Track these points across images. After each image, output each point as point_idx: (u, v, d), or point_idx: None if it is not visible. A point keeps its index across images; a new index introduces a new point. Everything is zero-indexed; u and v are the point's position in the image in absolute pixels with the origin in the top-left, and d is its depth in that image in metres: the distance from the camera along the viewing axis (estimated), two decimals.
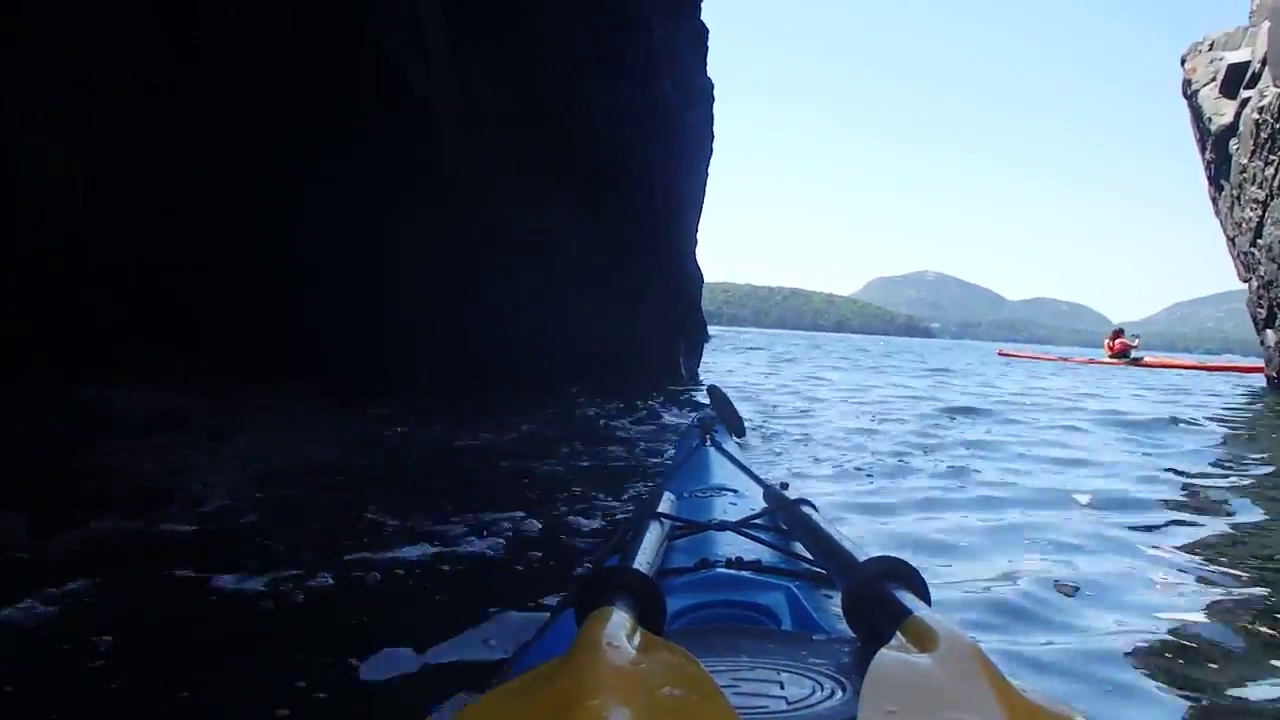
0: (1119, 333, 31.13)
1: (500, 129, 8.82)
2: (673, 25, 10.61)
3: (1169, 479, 6.22)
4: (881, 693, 0.68)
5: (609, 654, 0.75)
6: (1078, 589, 3.23)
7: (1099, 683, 2.34)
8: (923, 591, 1.04)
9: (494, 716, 0.72)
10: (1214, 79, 22.62)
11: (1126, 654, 2.59)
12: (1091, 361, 29.55)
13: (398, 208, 7.84)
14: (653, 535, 1.49)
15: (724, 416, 3.70)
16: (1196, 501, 5.49)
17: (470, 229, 8.37)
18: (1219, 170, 21.77)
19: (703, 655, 0.82)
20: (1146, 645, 2.69)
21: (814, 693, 0.91)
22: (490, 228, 8.60)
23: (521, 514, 4.12)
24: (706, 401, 4.35)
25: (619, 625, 0.85)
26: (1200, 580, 3.60)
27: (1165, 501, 5.30)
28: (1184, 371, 27.81)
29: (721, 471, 2.68)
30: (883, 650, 0.79)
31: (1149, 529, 4.49)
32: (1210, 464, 7.37)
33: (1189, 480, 6.26)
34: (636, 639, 0.83)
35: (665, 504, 1.83)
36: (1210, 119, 22.34)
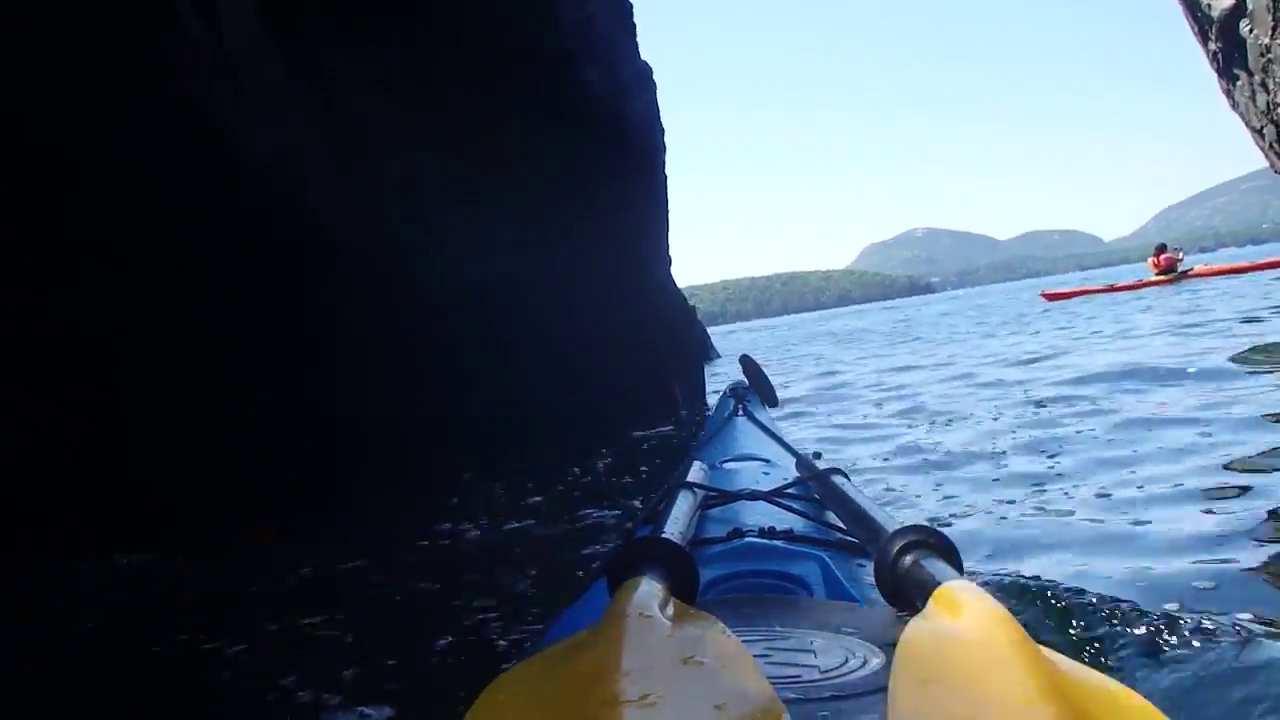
0: (1162, 248, 28.12)
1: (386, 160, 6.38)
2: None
3: None
4: (914, 661, 0.69)
5: (641, 623, 0.74)
6: None
7: None
8: (955, 560, 1.02)
9: (527, 685, 0.70)
10: None
11: None
12: (1141, 284, 26.64)
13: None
14: (685, 505, 1.48)
15: (756, 386, 3.61)
16: None
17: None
18: (1229, 59, 19.63)
19: (735, 625, 0.81)
20: None
21: (846, 661, 0.90)
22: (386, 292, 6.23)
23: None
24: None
25: (651, 595, 0.83)
26: None
27: None
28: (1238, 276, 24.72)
29: (754, 441, 2.68)
30: (915, 619, 0.80)
31: None
32: None
33: None
34: (669, 608, 0.82)
35: (698, 474, 1.84)
36: (1209, 4, 20.27)
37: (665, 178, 9.37)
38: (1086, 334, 12.78)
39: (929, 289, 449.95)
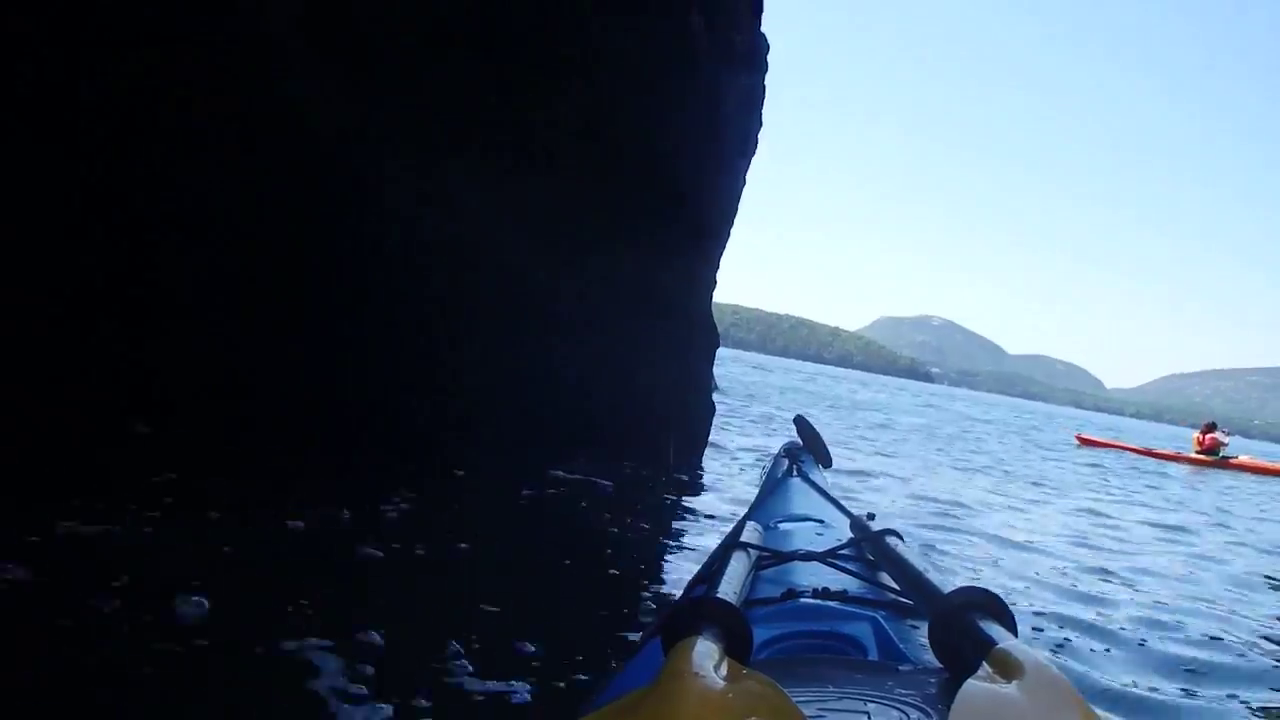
0: (1211, 426, 26.50)
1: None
2: None
3: None
4: None
5: (696, 683, 0.74)
6: None
7: None
8: (1009, 623, 1.02)
9: None
10: None
11: None
12: (1179, 457, 25.52)
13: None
14: (739, 565, 1.47)
15: (810, 446, 3.55)
16: None
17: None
18: None
19: (789, 685, 0.82)
20: None
21: None
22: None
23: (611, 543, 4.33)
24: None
25: (706, 655, 0.83)
26: None
27: None
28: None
29: (807, 501, 2.66)
30: (969, 681, 0.78)
31: None
32: None
33: None
34: (723, 669, 0.81)
35: (752, 534, 1.78)
36: None
37: (745, 181, 7.88)
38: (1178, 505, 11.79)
39: (929, 378, 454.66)
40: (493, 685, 2.47)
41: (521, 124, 5.71)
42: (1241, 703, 3.21)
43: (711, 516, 5.53)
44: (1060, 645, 3.61)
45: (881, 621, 1.39)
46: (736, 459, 8.78)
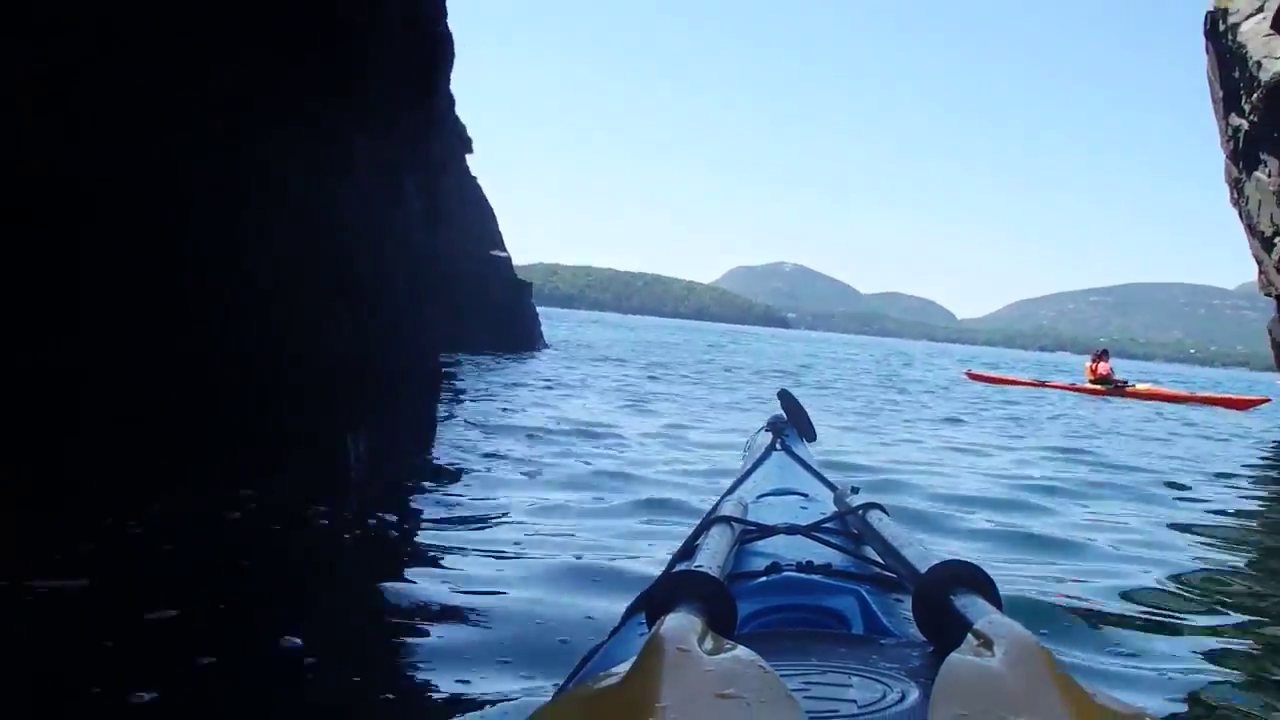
0: (1103, 354, 26.57)
1: None
2: None
3: None
4: (951, 697, 0.69)
5: (679, 658, 0.77)
6: None
7: None
8: (993, 596, 1.05)
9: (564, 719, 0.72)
10: (1260, 8, 16.67)
11: None
12: (1074, 388, 25.50)
13: None
14: (723, 539, 1.50)
15: (795, 420, 3.47)
16: None
17: None
18: (1262, 136, 14.63)
19: (773, 659, 0.82)
20: None
21: (884, 697, 0.93)
22: None
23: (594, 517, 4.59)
24: None
25: (689, 629, 0.85)
26: None
27: None
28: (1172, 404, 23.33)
29: (791, 475, 2.64)
30: (953, 654, 0.79)
31: None
32: None
33: None
34: (707, 643, 0.83)
35: (735, 508, 1.82)
36: (1259, 63, 15.86)
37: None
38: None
39: (785, 323, 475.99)
40: None
41: None
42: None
43: (416, 557, 4.06)
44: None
45: (865, 595, 1.43)
46: (535, 440, 7.39)
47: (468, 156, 24.60)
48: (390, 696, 2.62)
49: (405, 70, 5.90)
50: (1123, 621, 3.54)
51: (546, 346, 25.20)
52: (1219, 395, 25.99)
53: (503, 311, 23.30)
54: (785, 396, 3.68)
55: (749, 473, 2.73)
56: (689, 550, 1.65)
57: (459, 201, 22.16)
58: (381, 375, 5.31)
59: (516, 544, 4.20)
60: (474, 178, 25.71)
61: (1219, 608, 4.03)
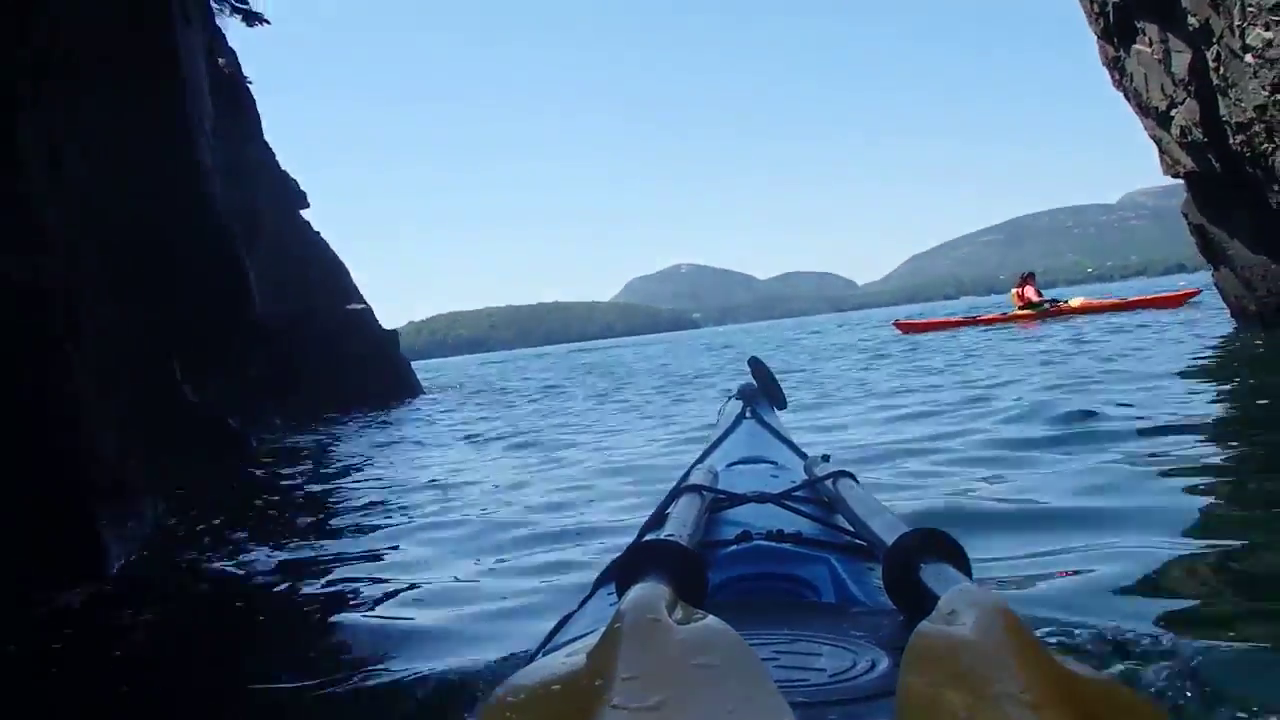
0: (1029, 278, 25.76)
1: None
2: None
3: None
4: (921, 665, 0.69)
5: (649, 626, 0.77)
6: None
7: None
8: (963, 564, 1.05)
9: (534, 689, 0.73)
10: None
11: None
12: (1004, 318, 24.90)
13: None
14: (693, 508, 1.51)
15: (765, 388, 3.45)
16: None
17: None
18: (1135, 3, 12.51)
19: (743, 628, 0.81)
20: None
21: (854, 665, 0.95)
22: None
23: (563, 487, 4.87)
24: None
25: (659, 597, 0.85)
26: None
27: None
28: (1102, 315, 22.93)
29: (762, 443, 2.66)
30: (923, 623, 0.79)
31: None
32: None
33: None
34: (677, 611, 0.83)
35: (706, 476, 1.83)
36: None
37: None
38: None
39: (693, 324, 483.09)
40: None
41: None
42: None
43: None
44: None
45: (836, 564, 1.45)
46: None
47: (303, 212, 23.99)
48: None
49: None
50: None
51: (424, 393, 25.20)
52: (1151, 296, 25.15)
53: (370, 363, 22.58)
54: (755, 364, 3.63)
55: (719, 441, 2.72)
56: (659, 519, 1.64)
57: (298, 258, 21.69)
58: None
59: None
60: (317, 233, 24.85)
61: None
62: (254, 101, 20.54)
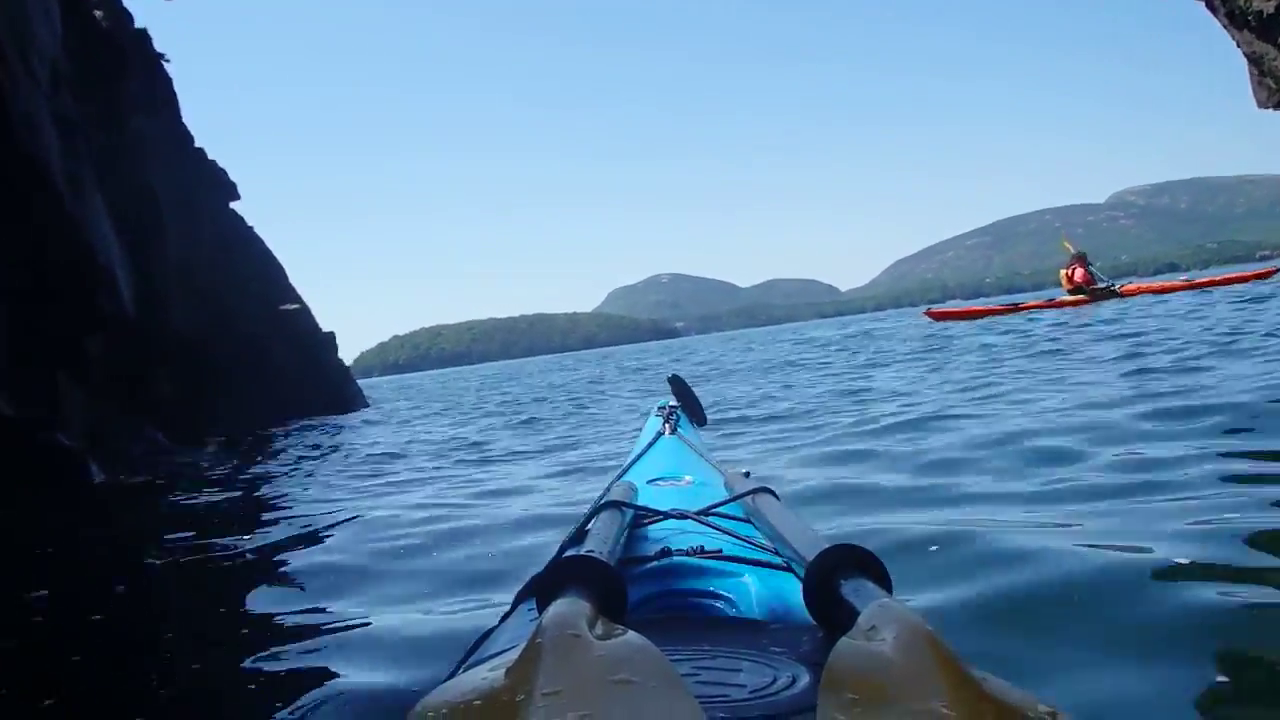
0: (1081, 258, 23.61)
1: None
2: None
3: None
4: (841, 681, 0.69)
5: (568, 643, 0.76)
6: None
7: None
8: (884, 580, 1.04)
9: (454, 704, 0.73)
10: None
11: None
12: (1053, 304, 22.87)
13: None
14: (614, 524, 1.50)
15: (685, 404, 3.57)
16: None
17: None
18: None
19: (663, 644, 0.81)
20: None
21: (775, 680, 0.94)
22: None
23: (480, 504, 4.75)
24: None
25: (579, 613, 0.84)
26: None
27: None
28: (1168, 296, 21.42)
29: (683, 459, 2.70)
30: (843, 639, 0.79)
31: None
32: None
33: None
34: (597, 627, 0.83)
35: (626, 492, 1.83)
36: None
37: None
38: None
39: (674, 333, 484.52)
40: None
41: None
42: None
43: None
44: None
45: (756, 579, 1.45)
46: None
47: (233, 204, 21.71)
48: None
49: None
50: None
51: (366, 405, 23.32)
52: (1224, 276, 23.91)
53: (303, 370, 20.40)
54: (676, 382, 3.83)
55: (639, 457, 2.78)
56: (579, 535, 1.66)
57: (223, 251, 19.08)
58: None
59: None
60: (250, 227, 22.46)
61: None
62: (167, 78, 18.72)
